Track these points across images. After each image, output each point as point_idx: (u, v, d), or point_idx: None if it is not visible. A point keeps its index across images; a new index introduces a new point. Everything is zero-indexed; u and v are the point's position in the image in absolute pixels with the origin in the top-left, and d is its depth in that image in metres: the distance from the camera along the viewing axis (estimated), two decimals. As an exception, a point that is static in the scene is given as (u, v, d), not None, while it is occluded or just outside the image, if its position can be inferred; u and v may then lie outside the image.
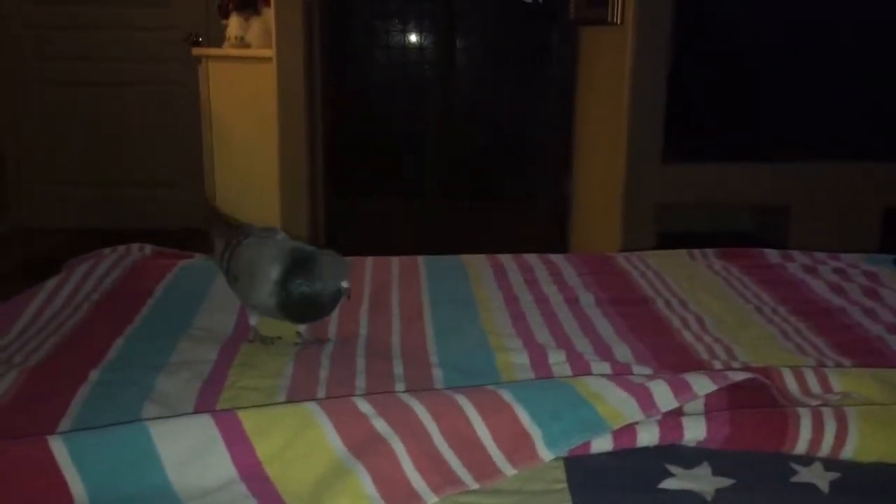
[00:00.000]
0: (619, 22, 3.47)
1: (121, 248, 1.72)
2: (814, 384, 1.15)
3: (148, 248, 1.77)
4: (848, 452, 1.02)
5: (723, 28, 3.56)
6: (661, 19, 3.34)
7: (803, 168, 3.49)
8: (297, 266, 1.27)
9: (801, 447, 1.03)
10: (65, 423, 1.05)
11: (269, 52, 3.96)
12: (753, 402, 1.09)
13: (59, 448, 0.92)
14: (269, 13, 3.97)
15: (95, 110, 4.50)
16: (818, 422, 1.03)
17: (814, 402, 1.11)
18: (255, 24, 4.12)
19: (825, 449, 1.03)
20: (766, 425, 1.04)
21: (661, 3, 3.32)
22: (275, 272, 1.27)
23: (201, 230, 4.03)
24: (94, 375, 1.18)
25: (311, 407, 1.02)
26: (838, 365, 1.28)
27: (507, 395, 1.06)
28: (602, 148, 3.84)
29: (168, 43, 4.40)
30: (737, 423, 1.04)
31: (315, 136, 4.14)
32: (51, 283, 1.52)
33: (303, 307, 1.29)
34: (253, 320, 1.36)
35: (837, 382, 1.14)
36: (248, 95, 4.15)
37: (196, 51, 4.21)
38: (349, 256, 1.80)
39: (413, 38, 5.40)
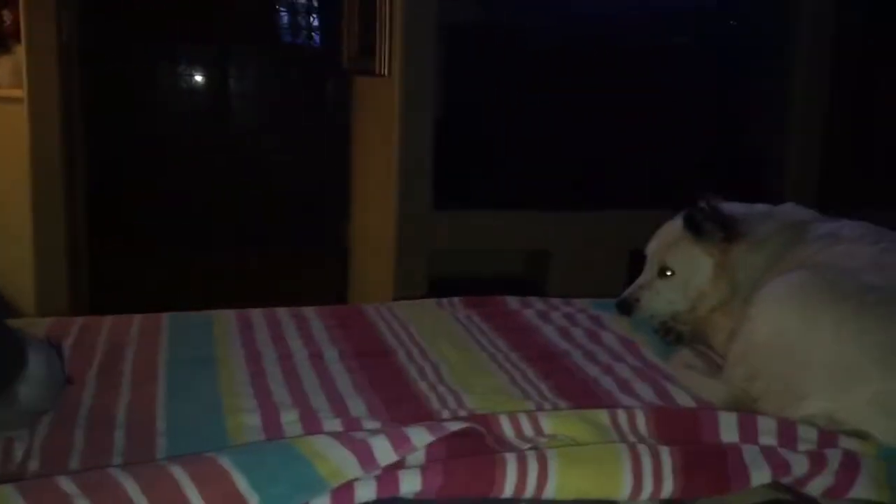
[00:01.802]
0: (386, 74, 3.58)
1: None
2: (527, 428, 1.23)
3: None
4: (549, 492, 1.10)
5: (489, 80, 3.77)
6: (426, 70, 3.48)
7: (561, 216, 3.74)
8: None
9: (508, 490, 1.09)
10: None
11: (20, 93, 3.70)
12: (470, 449, 1.15)
13: None
14: (21, 51, 3.71)
15: None
16: (522, 465, 1.10)
17: (526, 446, 1.19)
18: (5, 63, 3.84)
19: (530, 490, 1.10)
20: (476, 472, 1.10)
21: (425, 55, 3.45)
22: None
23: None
24: None
25: (7, 489, 0.95)
26: (556, 407, 1.38)
27: (224, 462, 1.04)
28: (376, 197, 3.92)
29: None
30: (449, 472, 1.09)
31: (75, 188, 3.89)
32: None
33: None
34: None
35: (547, 425, 1.23)
36: (-2, 139, 3.84)
37: (-64, 90, 3.85)
38: (95, 316, 1.72)
39: (186, 83, 5.25)
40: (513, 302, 1.95)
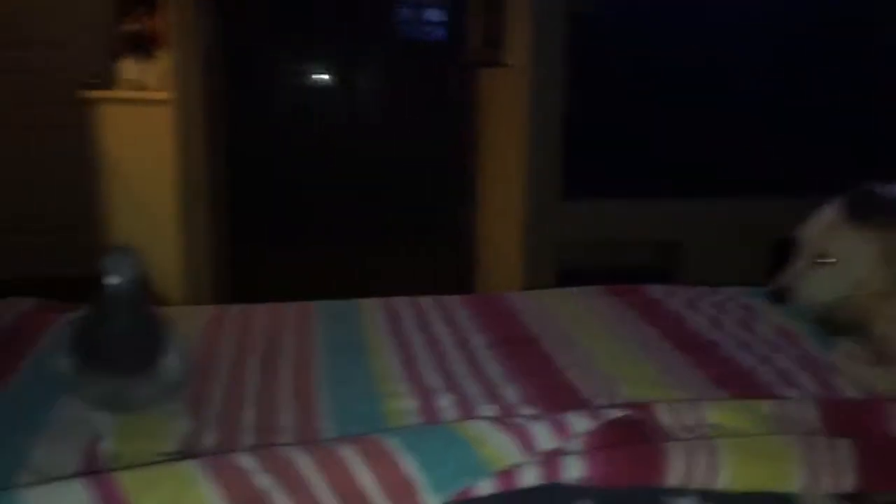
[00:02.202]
0: (513, 64, 3.57)
1: (1, 303, 1.66)
2: (689, 417, 1.20)
3: (30, 302, 1.71)
4: (720, 483, 1.07)
5: (618, 67, 3.70)
6: (555, 59, 3.44)
7: (696, 204, 3.64)
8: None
9: (674, 479, 1.07)
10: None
11: (166, 95, 3.90)
12: (630, 437, 1.13)
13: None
14: (166, 55, 3.92)
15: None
16: (690, 454, 1.08)
17: (688, 436, 1.16)
18: (152, 67, 4.06)
19: (698, 480, 1.07)
20: (642, 460, 1.08)
21: (554, 44, 3.42)
22: (68, 329, 1.16)
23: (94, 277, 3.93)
24: (-34, 438, 1.13)
25: (192, 465, 1.01)
26: (715, 398, 1.33)
27: (390, 443, 1.06)
28: (503, 188, 3.91)
29: (61, 86, 4.29)
30: (613, 459, 1.07)
31: (217, 182, 4.08)
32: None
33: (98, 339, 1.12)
34: (103, 443, 1.15)
35: (710, 414, 1.20)
36: (144, 139, 4.06)
37: (90, 94, 4.11)
38: (251, 304, 1.79)
39: (315, 80, 5.40)
40: (656, 290, 1.90)
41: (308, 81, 5.42)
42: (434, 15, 5.48)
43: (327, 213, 5.18)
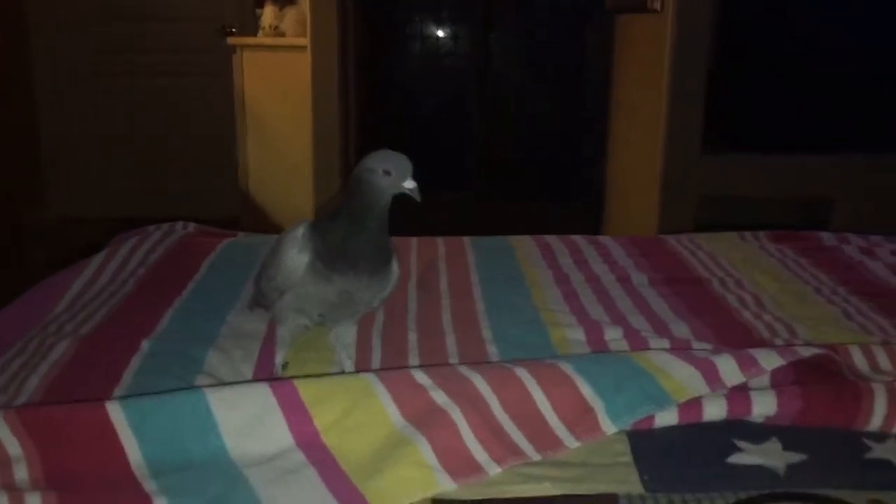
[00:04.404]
0: (658, 8, 3.42)
1: (165, 226, 1.71)
2: (883, 361, 1.12)
3: (191, 226, 1.76)
4: (924, 429, 0.98)
5: (767, 13, 3.50)
6: (703, 3, 3.28)
7: (846, 160, 3.42)
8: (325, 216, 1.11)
9: (875, 423, 0.99)
10: (118, 392, 1.04)
11: (304, 41, 3.95)
12: (821, 378, 1.05)
13: (116, 413, 0.91)
14: (304, 2, 3.96)
15: (131, 100, 4.52)
16: (893, 398, 0.99)
17: (885, 379, 1.07)
18: (290, 14, 4.11)
19: (899, 426, 0.99)
20: (839, 400, 1.00)
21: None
22: (301, 229, 1.10)
23: (235, 220, 4.06)
24: (145, 346, 1.16)
25: (369, 378, 1.00)
26: (907, 343, 1.23)
27: (567, 368, 1.03)
28: (639, 140, 3.78)
29: (203, 33, 4.41)
30: (809, 397, 1.00)
31: (349, 126, 4.13)
32: (97, 259, 1.51)
33: (346, 240, 1.05)
34: (279, 356, 1.15)
35: (909, 359, 1.10)
36: (282, 84, 4.14)
37: (231, 40, 4.20)
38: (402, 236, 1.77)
39: (448, 29, 5.37)
40: (827, 237, 1.79)
41: (441, 29, 5.38)
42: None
43: (458, 161, 5.18)
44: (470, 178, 5.17)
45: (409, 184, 1.06)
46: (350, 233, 1.05)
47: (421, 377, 1.00)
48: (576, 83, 5.04)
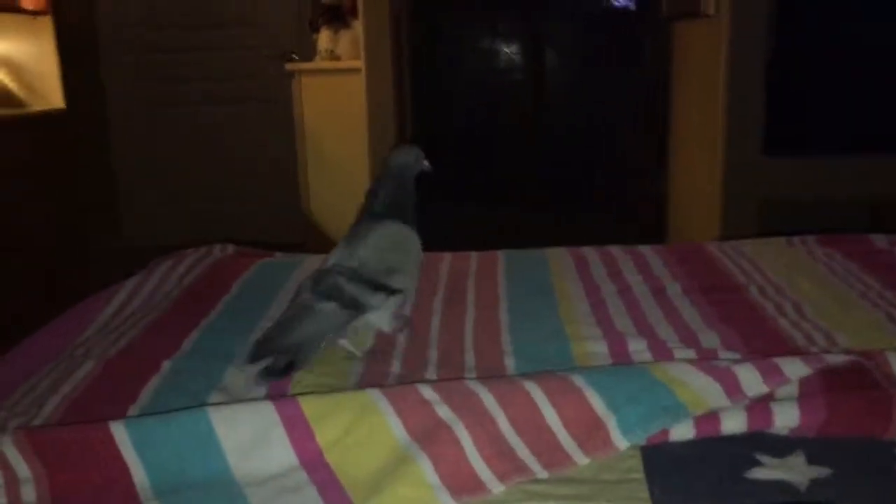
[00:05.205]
0: (712, 12, 3.34)
1: (203, 249, 1.74)
2: (925, 368, 1.04)
3: (231, 248, 1.78)
4: (964, 440, 0.91)
5: (826, 10, 3.38)
6: (758, 5, 3.19)
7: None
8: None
9: (908, 433, 0.93)
10: (132, 412, 1.06)
11: (359, 64, 4.01)
12: (851, 386, 0.99)
13: (120, 434, 0.92)
14: (358, 25, 4.02)
15: (197, 128, 4.66)
16: (928, 406, 0.93)
17: (925, 388, 1.00)
18: (345, 37, 4.18)
19: (936, 437, 0.92)
20: (868, 410, 0.94)
21: (757, -10, 3.17)
22: (391, 223, 1.28)
23: (300, 244, 4.12)
24: (166, 366, 1.18)
25: (373, 394, 0.99)
26: (955, 349, 1.15)
27: (578, 380, 1.00)
28: (699, 145, 3.70)
29: (263, 60, 4.52)
30: (834, 407, 0.94)
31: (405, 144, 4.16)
32: (132, 281, 1.55)
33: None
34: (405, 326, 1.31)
35: (952, 365, 1.03)
36: (339, 107, 4.20)
37: (289, 66, 4.29)
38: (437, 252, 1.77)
39: (501, 44, 5.36)
40: (880, 240, 1.70)
41: (495, 46, 5.38)
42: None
43: (517, 176, 5.16)
44: (529, 192, 5.13)
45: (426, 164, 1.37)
46: (412, 210, 1.31)
47: (427, 392, 0.99)
48: (634, 93, 4.97)
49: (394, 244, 1.26)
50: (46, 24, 3.69)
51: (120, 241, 4.63)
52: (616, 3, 5.30)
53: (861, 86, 3.39)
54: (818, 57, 3.44)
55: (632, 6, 5.25)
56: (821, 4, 3.40)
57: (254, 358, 1.15)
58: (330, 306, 1.18)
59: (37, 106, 3.75)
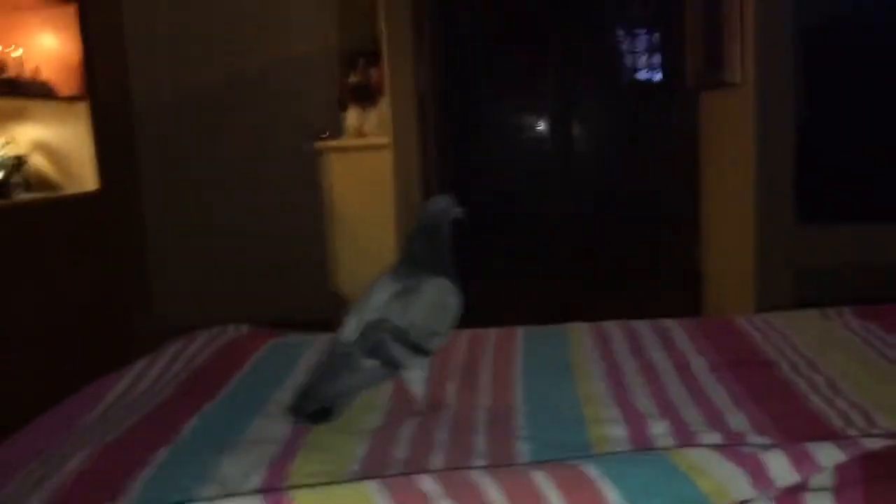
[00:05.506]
0: (739, 82, 3.31)
1: (215, 329, 1.71)
2: (972, 452, 0.95)
3: (244, 327, 1.75)
4: None
5: (854, 81, 3.34)
6: (784, 74, 3.16)
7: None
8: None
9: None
10: (122, 504, 1.00)
11: (386, 140, 4.03)
12: (893, 472, 0.91)
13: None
14: (385, 102, 4.06)
15: (231, 210, 4.70)
16: (978, 497, 0.84)
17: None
18: (373, 114, 4.22)
19: None
20: (910, 501, 0.86)
21: (781, 58, 3.14)
22: (438, 279, 1.27)
23: (328, 320, 4.09)
24: (162, 454, 1.13)
25: (371, 485, 0.92)
26: None
27: (592, 470, 0.92)
28: (731, 217, 3.63)
29: (294, 139, 4.57)
30: (873, 495, 0.86)
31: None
32: (140, 364, 1.51)
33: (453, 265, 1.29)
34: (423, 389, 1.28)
35: None
36: (366, 183, 4.22)
37: (318, 145, 4.34)
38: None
39: (529, 116, 5.39)
40: (921, 310, 1.61)
41: (525, 121, 5.41)
42: (651, 49, 5.32)
43: (549, 248, 5.11)
44: (561, 263, 5.07)
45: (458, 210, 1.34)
46: (445, 257, 1.28)
47: (427, 484, 0.92)
48: (664, 166, 4.93)
49: (441, 306, 1.26)
50: (83, 109, 3.78)
51: (153, 320, 4.64)
52: (642, 77, 5.32)
53: (892, 149, 3.33)
54: (848, 123, 3.39)
55: (658, 78, 5.26)
56: (849, 72, 3.37)
57: (297, 410, 1.21)
58: (373, 364, 1.22)
59: (72, 189, 3.81)
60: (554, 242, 5.14)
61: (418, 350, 1.23)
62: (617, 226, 5.12)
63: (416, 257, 1.30)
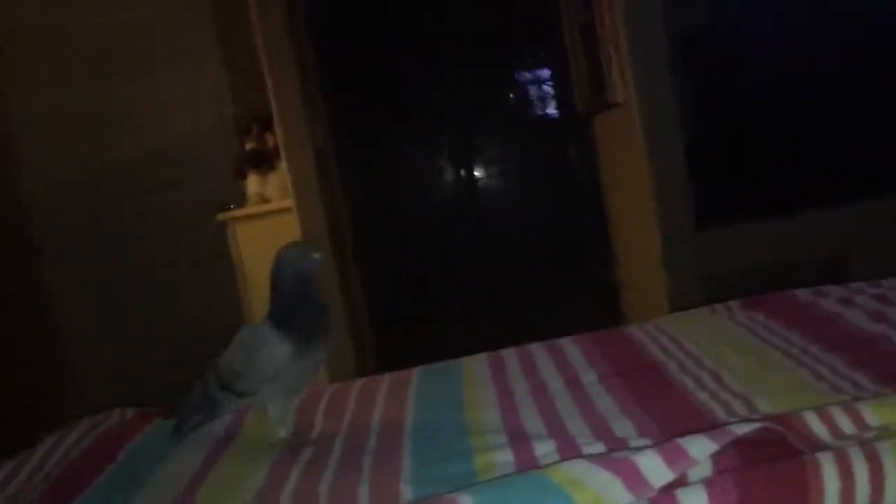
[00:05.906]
0: (622, 101, 3.39)
1: (99, 416, 1.61)
2: (845, 423, 0.95)
3: (130, 411, 1.66)
4: (890, 496, 0.81)
5: (738, 84, 3.44)
6: (663, 86, 3.23)
7: (860, 210, 3.25)
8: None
9: (830, 498, 0.82)
10: None
11: (289, 203, 3.98)
12: (768, 455, 0.89)
13: None
14: (284, 166, 4.02)
15: (141, 293, 4.58)
16: (845, 464, 0.83)
17: (848, 444, 0.91)
18: (273, 179, 4.17)
19: (862, 496, 0.82)
20: (782, 479, 0.84)
21: (658, 69, 3.21)
22: (261, 328, 1.27)
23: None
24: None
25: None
26: (878, 396, 1.06)
27: (466, 500, 0.88)
28: (637, 230, 3.68)
29: (197, 215, 4.49)
30: (745, 481, 0.84)
31: (348, 275, 4.09)
32: (9, 464, 1.41)
33: (308, 316, 1.27)
34: (282, 431, 1.30)
35: (872, 415, 0.94)
36: (276, 248, 4.15)
37: (221, 216, 4.26)
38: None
39: (432, 159, 5.41)
40: (804, 294, 1.63)
41: (427, 162, 5.43)
42: (543, 81, 5.42)
43: (468, 289, 5.09)
44: (482, 300, 5.06)
45: (316, 257, 1.34)
46: (305, 309, 1.26)
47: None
48: (568, 190, 5.01)
49: (243, 349, 1.29)
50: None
51: (68, 407, 4.45)
52: (538, 111, 5.42)
53: (782, 145, 3.42)
54: (735, 125, 3.48)
55: (552, 109, 5.36)
56: (730, 76, 3.46)
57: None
58: (199, 388, 1.35)
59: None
60: (470, 279, 5.14)
61: (228, 389, 1.29)
62: (534, 258, 5.15)
63: (270, 311, 1.32)
